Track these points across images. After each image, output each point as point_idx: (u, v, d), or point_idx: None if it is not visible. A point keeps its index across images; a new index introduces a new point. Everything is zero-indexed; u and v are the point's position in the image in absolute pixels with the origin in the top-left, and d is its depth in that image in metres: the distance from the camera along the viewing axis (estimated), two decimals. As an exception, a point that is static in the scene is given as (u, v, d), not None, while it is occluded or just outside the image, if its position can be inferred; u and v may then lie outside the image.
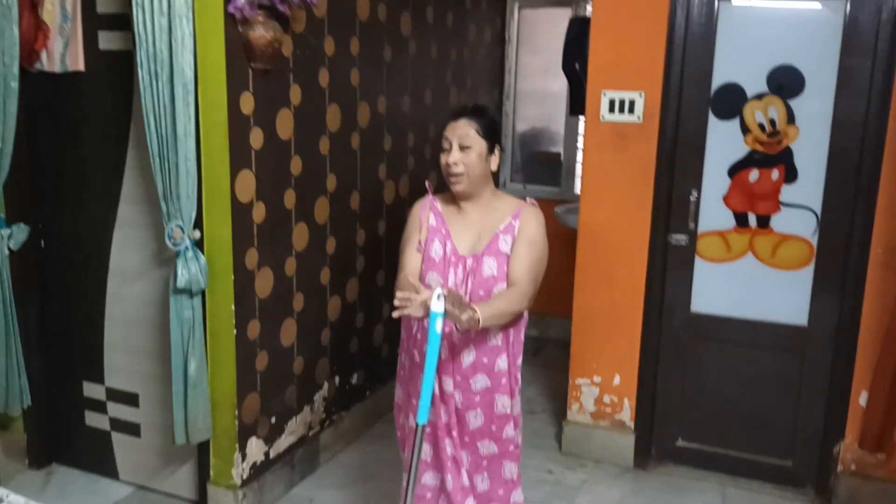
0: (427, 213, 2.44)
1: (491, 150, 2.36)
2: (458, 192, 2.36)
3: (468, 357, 2.34)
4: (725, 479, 3.55)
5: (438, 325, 2.13)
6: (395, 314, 2.11)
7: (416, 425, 2.18)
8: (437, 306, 2.14)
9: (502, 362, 2.37)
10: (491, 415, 2.39)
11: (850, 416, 3.26)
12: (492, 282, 2.30)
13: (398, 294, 2.10)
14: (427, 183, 2.51)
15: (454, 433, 2.38)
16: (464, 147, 2.30)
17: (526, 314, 2.41)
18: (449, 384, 2.36)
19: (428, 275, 2.36)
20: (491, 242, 2.33)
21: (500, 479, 2.46)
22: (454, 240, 2.37)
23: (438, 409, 2.37)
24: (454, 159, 2.30)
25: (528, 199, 2.43)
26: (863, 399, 3.21)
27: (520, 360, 2.43)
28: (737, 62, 3.26)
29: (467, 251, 2.36)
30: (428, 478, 2.45)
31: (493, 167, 2.37)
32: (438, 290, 2.10)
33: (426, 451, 2.42)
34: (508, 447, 2.44)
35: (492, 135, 2.36)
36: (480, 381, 2.36)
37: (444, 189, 2.48)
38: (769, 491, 3.47)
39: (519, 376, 2.43)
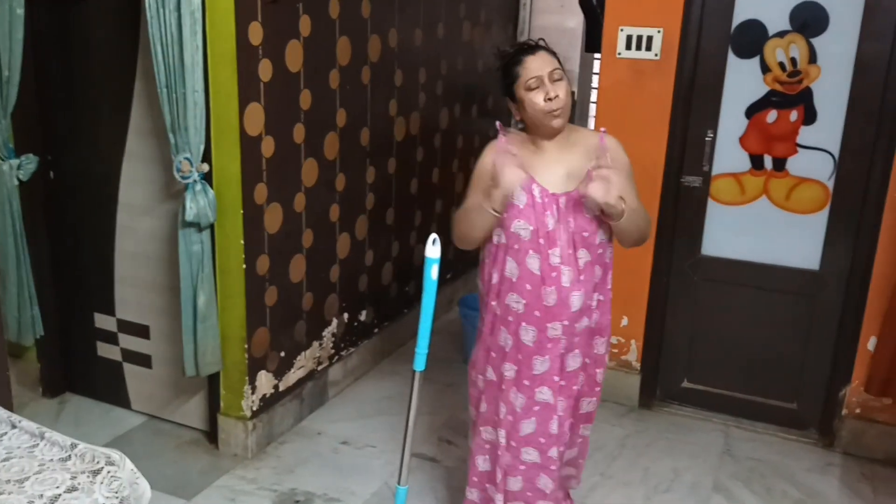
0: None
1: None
2: (557, 128, 2.18)
3: (577, 302, 2.23)
4: (729, 420, 3.58)
5: (433, 272, 2.12)
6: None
7: (413, 371, 2.17)
8: (433, 252, 2.12)
9: (593, 300, 2.30)
10: (589, 353, 2.35)
11: (857, 361, 3.26)
12: (596, 223, 2.20)
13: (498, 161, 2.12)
14: (498, 124, 2.36)
15: (556, 378, 2.29)
16: (555, 79, 2.14)
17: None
18: (557, 329, 2.25)
19: (513, 224, 2.21)
20: (585, 181, 2.18)
21: (585, 418, 2.44)
22: (540, 181, 2.20)
23: (537, 358, 2.28)
24: (555, 92, 2.12)
25: (601, 129, 2.30)
26: (871, 344, 3.21)
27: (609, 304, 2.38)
28: (759, -2, 3.17)
29: (559, 189, 2.20)
30: (527, 426, 2.34)
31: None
32: (434, 236, 2.08)
33: (519, 401, 2.32)
34: (595, 388, 2.42)
35: (563, 67, 2.23)
36: (583, 323, 2.29)
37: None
38: (773, 432, 3.50)
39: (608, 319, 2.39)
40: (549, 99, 2.13)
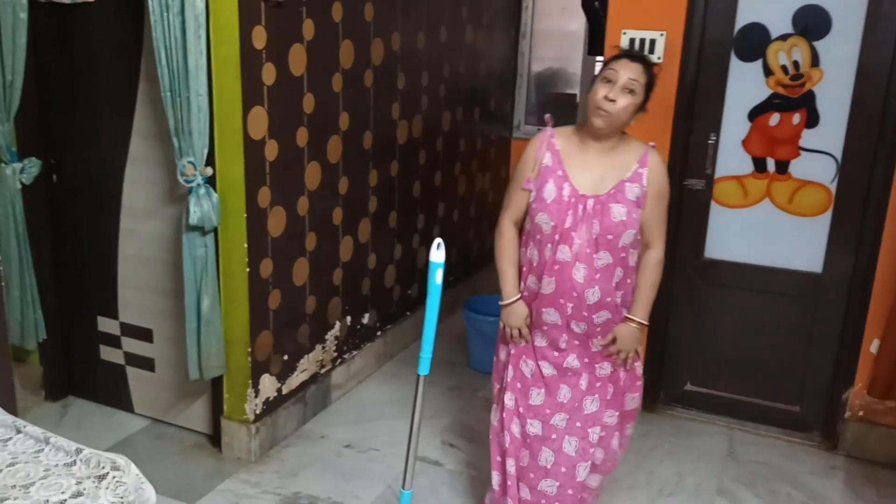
0: (543, 152, 2.35)
1: (642, 107, 2.30)
2: (596, 127, 2.26)
3: (593, 297, 2.33)
4: (733, 423, 3.58)
5: (438, 277, 2.13)
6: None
7: (417, 376, 2.23)
8: (437, 256, 2.13)
9: (618, 298, 2.38)
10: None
11: (860, 364, 3.26)
12: (621, 227, 2.27)
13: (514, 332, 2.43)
14: (547, 117, 2.44)
15: (555, 354, 2.43)
16: (627, 89, 2.23)
17: None
18: (552, 315, 2.39)
19: (537, 216, 2.32)
20: (617, 188, 2.28)
21: (614, 403, 2.49)
22: (572, 179, 2.30)
23: (538, 333, 2.44)
24: (615, 96, 2.21)
25: (650, 143, 2.37)
26: (874, 347, 3.21)
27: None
28: (762, 1, 3.17)
29: (589, 191, 2.29)
30: (536, 397, 2.47)
31: (633, 122, 2.31)
32: (438, 240, 2.10)
33: (528, 369, 2.46)
34: (636, 383, 2.50)
35: (650, 93, 2.30)
36: (603, 316, 2.37)
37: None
38: (776, 435, 3.50)
39: None
40: (607, 98, 2.21)
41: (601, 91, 2.23)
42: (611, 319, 2.38)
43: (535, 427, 2.45)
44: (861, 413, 3.30)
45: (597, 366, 2.42)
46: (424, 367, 2.29)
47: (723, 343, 3.53)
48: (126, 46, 3.03)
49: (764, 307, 3.43)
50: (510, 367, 2.49)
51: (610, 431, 2.48)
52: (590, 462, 2.44)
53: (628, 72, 2.23)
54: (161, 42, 2.67)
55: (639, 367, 2.50)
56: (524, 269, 2.46)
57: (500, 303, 2.47)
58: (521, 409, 2.47)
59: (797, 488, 3.12)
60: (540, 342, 2.44)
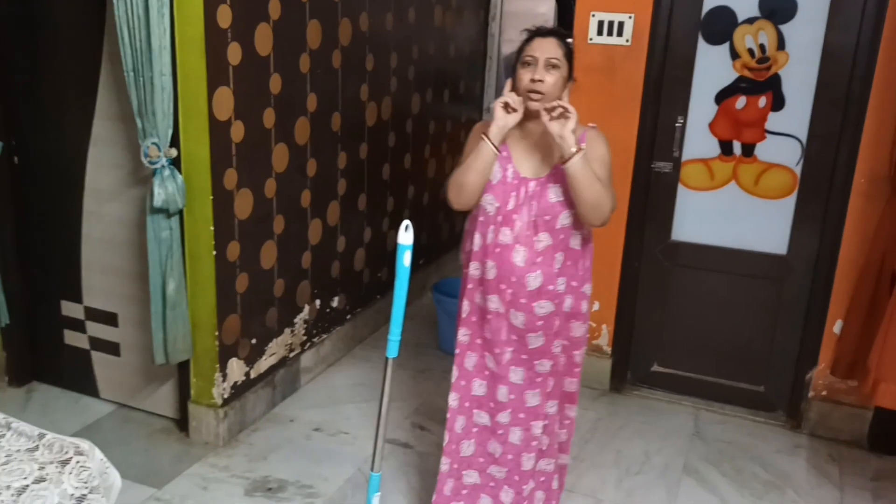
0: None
1: (569, 78, 2.29)
2: (533, 109, 2.25)
3: (534, 282, 2.30)
4: (699, 402, 3.63)
5: (406, 259, 2.13)
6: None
7: (386, 358, 2.20)
8: (405, 238, 2.13)
9: (562, 285, 2.34)
10: (567, 336, 2.41)
11: (823, 344, 3.31)
12: (558, 207, 2.27)
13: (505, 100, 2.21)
14: (508, 81, 2.42)
15: (497, 351, 2.38)
16: (550, 66, 2.22)
17: (592, 244, 2.41)
18: (494, 301, 2.35)
19: (483, 197, 2.32)
20: (556, 168, 2.28)
21: (554, 394, 2.46)
22: (516, 162, 2.32)
23: (485, 325, 2.39)
24: (540, 76, 2.21)
25: (590, 124, 2.37)
26: (837, 327, 3.26)
27: (587, 287, 2.42)
28: (729, -16, 3.19)
29: (530, 174, 2.31)
30: (478, 387, 2.46)
31: (566, 97, 2.28)
32: (406, 222, 2.09)
33: (471, 362, 2.43)
34: (559, 362, 2.43)
35: (572, 62, 2.29)
36: (545, 307, 2.33)
37: None
38: (742, 415, 3.55)
39: (585, 305, 2.42)
40: (533, 80, 2.21)
41: (526, 76, 2.23)
42: (553, 313, 2.33)
43: (482, 418, 2.45)
44: (824, 392, 3.36)
45: (536, 363, 2.39)
46: (393, 350, 2.29)
47: (689, 324, 3.57)
48: (88, 26, 2.96)
49: (730, 289, 3.47)
50: (454, 366, 2.48)
51: (552, 420, 2.48)
52: (534, 453, 2.44)
53: (545, 50, 2.23)
54: (124, 21, 2.61)
55: (577, 354, 2.47)
56: (468, 253, 2.44)
57: (487, 142, 2.25)
58: (466, 404, 2.47)
59: (762, 467, 3.18)
60: (485, 333, 2.40)
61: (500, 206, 2.31)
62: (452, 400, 2.48)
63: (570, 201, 2.27)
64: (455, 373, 2.47)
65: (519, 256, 2.30)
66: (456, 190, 2.34)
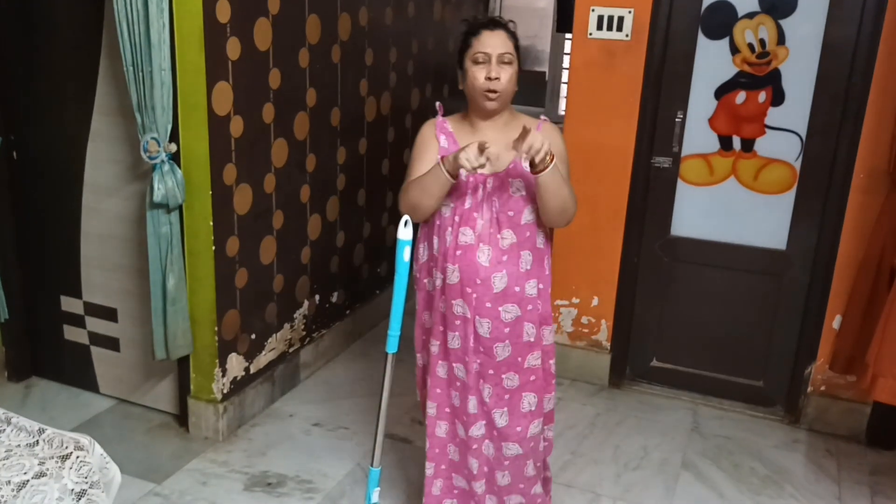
0: (438, 134, 2.28)
1: (519, 70, 2.22)
2: (491, 110, 2.19)
3: (500, 283, 2.22)
4: (697, 398, 3.63)
5: (406, 254, 2.12)
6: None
7: (386, 354, 2.18)
8: (405, 234, 2.12)
9: (531, 288, 2.27)
10: (518, 344, 2.29)
11: (822, 339, 3.31)
12: (521, 202, 2.21)
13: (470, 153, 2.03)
14: (438, 104, 2.36)
15: (466, 359, 2.29)
16: (503, 62, 2.14)
17: (552, 242, 2.34)
18: (460, 306, 2.25)
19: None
20: (515, 163, 2.19)
21: (519, 412, 2.34)
22: None
23: (451, 333, 2.30)
24: (496, 73, 2.12)
25: (541, 117, 2.30)
26: (836, 322, 3.27)
27: (549, 288, 2.33)
28: (729, -21, 3.18)
29: (486, 170, 2.18)
30: (454, 399, 2.38)
31: (516, 87, 2.22)
32: (406, 217, 2.07)
33: (442, 371, 2.36)
34: (529, 377, 2.32)
35: (520, 52, 2.22)
36: (511, 311, 2.24)
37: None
38: (740, 410, 3.56)
39: (549, 308, 2.34)
40: (489, 78, 2.14)
41: (480, 74, 2.14)
42: (520, 318, 2.24)
43: (460, 430, 2.38)
44: (823, 388, 3.37)
45: (503, 376, 2.29)
46: (393, 345, 2.29)
47: (688, 319, 3.58)
48: (87, 20, 2.95)
49: (729, 284, 3.47)
50: (427, 377, 2.40)
51: (535, 441, 2.38)
52: (508, 472, 2.36)
53: (496, 45, 2.14)
54: (123, 15, 2.60)
55: (552, 364, 2.38)
56: (421, 263, 2.35)
57: (442, 171, 2.13)
58: (446, 409, 2.39)
59: (760, 462, 3.18)
60: (452, 343, 2.30)
61: (456, 206, 2.23)
62: (430, 409, 2.39)
63: (532, 195, 2.20)
64: (428, 381, 2.38)
65: (483, 256, 2.20)
66: (409, 209, 2.24)
